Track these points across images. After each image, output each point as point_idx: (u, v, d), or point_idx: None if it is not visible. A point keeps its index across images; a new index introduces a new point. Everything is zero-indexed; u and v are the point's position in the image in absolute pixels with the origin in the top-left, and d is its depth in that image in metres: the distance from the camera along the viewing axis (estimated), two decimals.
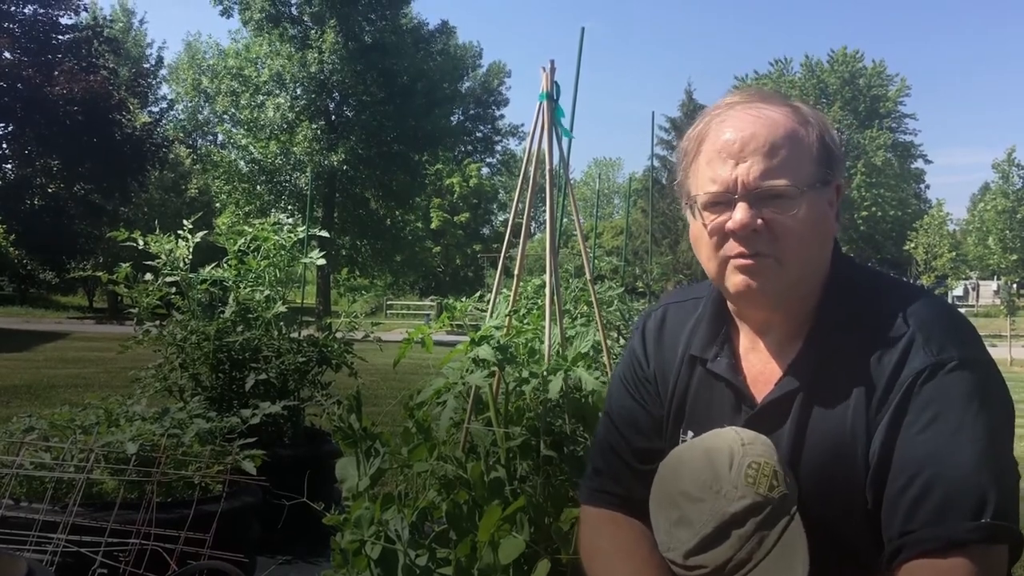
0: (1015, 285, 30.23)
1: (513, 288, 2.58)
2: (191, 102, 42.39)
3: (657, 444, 1.64)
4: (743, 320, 1.57)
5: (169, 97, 48.80)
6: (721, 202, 1.43)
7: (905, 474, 1.31)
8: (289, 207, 34.86)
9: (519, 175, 2.56)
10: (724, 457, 1.40)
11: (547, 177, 2.51)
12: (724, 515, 1.36)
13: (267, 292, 4.56)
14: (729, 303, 1.57)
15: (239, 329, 4.47)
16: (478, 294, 2.98)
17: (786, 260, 1.41)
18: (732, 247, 1.43)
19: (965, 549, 1.25)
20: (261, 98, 35.58)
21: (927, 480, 1.28)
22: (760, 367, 1.53)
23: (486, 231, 54.49)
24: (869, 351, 1.39)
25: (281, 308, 4.54)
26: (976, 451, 1.28)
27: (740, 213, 1.40)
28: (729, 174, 1.42)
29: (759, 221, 1.40)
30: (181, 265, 4.50)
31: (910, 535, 1.28)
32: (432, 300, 40.15)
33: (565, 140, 2.64)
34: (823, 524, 1.40)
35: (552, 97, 2.50)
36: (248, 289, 4.55)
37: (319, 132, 35.33)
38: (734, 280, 1.44)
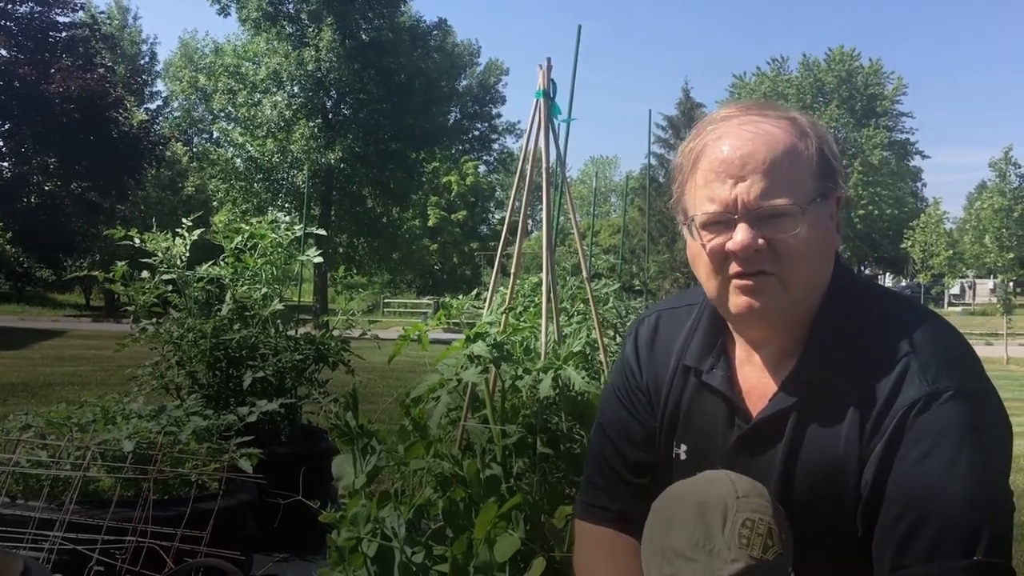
0: (1011, 283, 30.21)
1: (510, 286, 2.59)
2: (187, 99, 42.24)
3: (651, 456, 1.61)
4: (740, 333, 1.53)
5: (164, 94, 48.71)
6: (720, 222, 1.39)
7: (897, 507, 1.28)
8: (286, 205, 34.84)
9: (516, 173, 2.56)
10: (717, 513, 1.35)
11: (543, 175, 2.51)
12: None
13: (264, 290, 4.55)
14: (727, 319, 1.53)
15: (236, 327, 4.46)
16: (475, 292, 2.98)
17: (789, 280, 1.38)
18: (733, 268, 1.40)
19: None
20: (258, 96, 35.53)
21: (919, 515, 1.26)
22: (754, 380, 1.50)
23: (483, 229, 54.46)
24: (865, 372, 1.36)
25: (278, 306, 4.54)
26: (970, 486, 1.25)
27: (741, 234, 1.36)
28: (728, 194, 1.38)
29: (760, 241, 1.36)
30: (178, 263, 4.49)
31: (901, 570, 1.26)
32: (429, 298, 40.19)
33: (563, 135, 2.64)
34: (813, 548, 1.38)
35: (548, 95, 2.50)
36: (245, 287, 4.54)
37: (316, 130, 35.28)
38: (736, 302, 1.41)
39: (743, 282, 1.39)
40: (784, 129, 1.41)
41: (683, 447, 1.56)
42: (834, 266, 1.47)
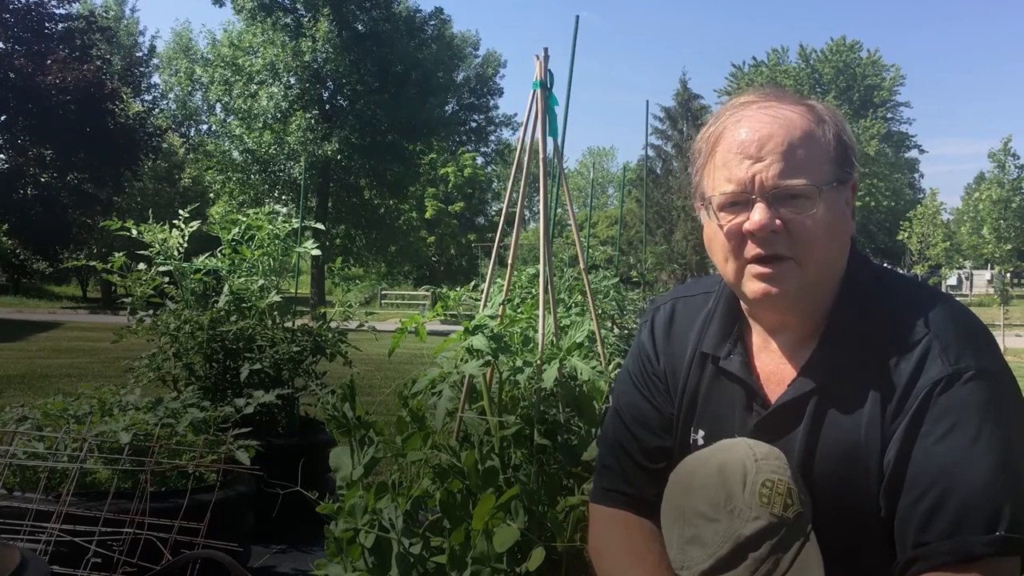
0: (1008, 274, 30.20)
1: (507, 277, 2.58)
2: (182, 90, 42.04)
3: (668, 442, 1.62)
4: (756, 319, 1.54)
5: (160, 88, 48.49)
6: (738, 202, 1.41)
7: (920, 485, 1.30)
8: (283, 197, 34.77)
9: (513, 165, 2.55)
10: (737, 475, 1.38)
11: (540, 165, 2.50)
12: (739, 537, 1.35)
13: (261, 281, 4.55)
14: (743, 303, 1.55)
15: (233, 318, 4.46)
16: (472, 283, 2.97)
17: (805, 261, 1.40)
18: (750, 249, 1.41)
19: (979, 563, 1.24)
20: (255, 87, 35.43)
21: (942, 492, 1.27)
22: (773, 367, 1.51)
23: (481, 221, 54.39)
24: (885, 356, 1.38)
25: (275, 298, 4.53)
26: (992, 463, 1.27)
27: (759, 214, 1.38)
28: (746, 173, 1.40)
29: (777, 222, 1.38)
30: (175, 254, 4.49)
31: (924, 547, 1.28)
32: (426, 289, 40.15)
33: (560, 126, 2.63)
34: (835, 529, 1.39)
35: (546, 85, 2.49)
36: (242, 278, 4.54)
37: (313, 121, 35.20)
38: (753, 287, 1.43)
39: (761, 269, 1.41)
40: (802, 114, 1.43)
41: (700, 433, 1.57)
42: (850, 252, 1.48)
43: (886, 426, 1.35)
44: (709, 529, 1.37)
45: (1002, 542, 1.24)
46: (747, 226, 1.40)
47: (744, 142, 1.41)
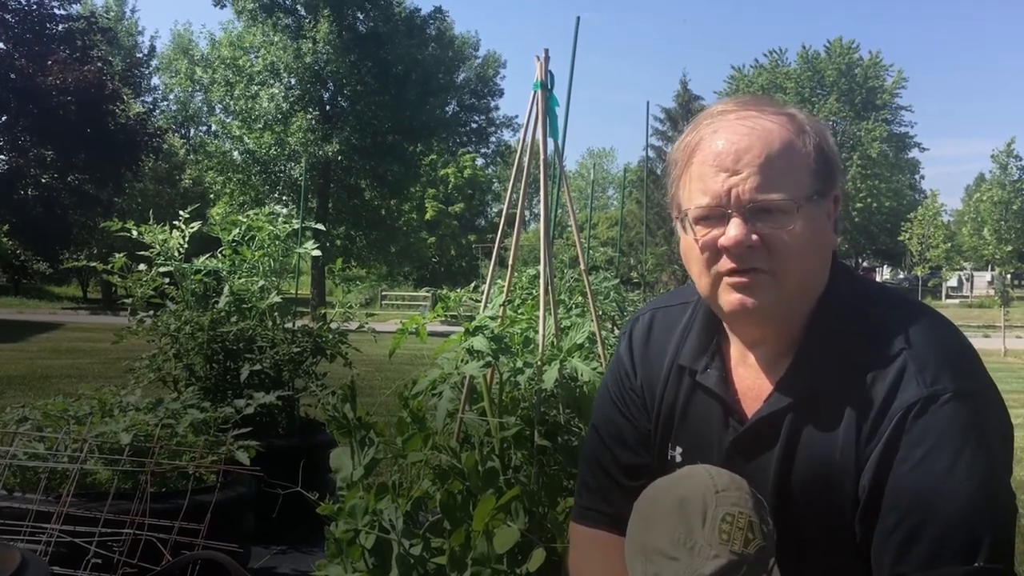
0: (1009, 276, 30.20)
1: (507, 278, 2.58)
2: (183, 91, 42.06)
3: (645, 459, 1.59)
4: (734, 332, 1.50)
5: (160, 88, 48.53)
6: (713, 216, 1.37)
7: (895, 513, 1.26)
8: (284, 198, 34.76)
9: (514, 166, 2.55)
10: (697, 510, 1.32)
11: (541, 166, 2.50)
12: None
13: (261, 282, 4.55)
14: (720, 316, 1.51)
15: (233, 319, 4.46)
16: (472, 284, 2.98)
17: (782, 276, 1.36)
18: (725, 263, 1.37)
19: None
20: (255, 88, 35.44)
21: (918, 521, 1.23)
22: (750, 381, 1.47)
23: (481, 222, 54.44)
24: (861, 373, 1.34)
25: (275, 298, 4.53)
26: (970, 490, 1.22)
27: (734, 229, 1.34)
28: (722, 186, 1.35)
29: (754, 237, 1.34)
30: (175, 255, 4.49)
31: None
32: (427, 291, 40.16)
33: (560, 127, 2.63)
34: (813, 552, 1.37)
35: (546, 86, 2.49)
36: (242, 279, 4.54)
37: (313, 122, 35.21)
38: (728, 299, 1.39)
39: (736, 279, 1.37)
40: (782, 125, 1.39)
41: (678, 449, 1.54)
42: (831, 265, 1.45)
43: (861, 449, 1.31)
44: (669, 568, 1.32)
45: (981, 573, 1.20)
46: (722, 241, 1.36)
47: (720, 153, 1.37)
